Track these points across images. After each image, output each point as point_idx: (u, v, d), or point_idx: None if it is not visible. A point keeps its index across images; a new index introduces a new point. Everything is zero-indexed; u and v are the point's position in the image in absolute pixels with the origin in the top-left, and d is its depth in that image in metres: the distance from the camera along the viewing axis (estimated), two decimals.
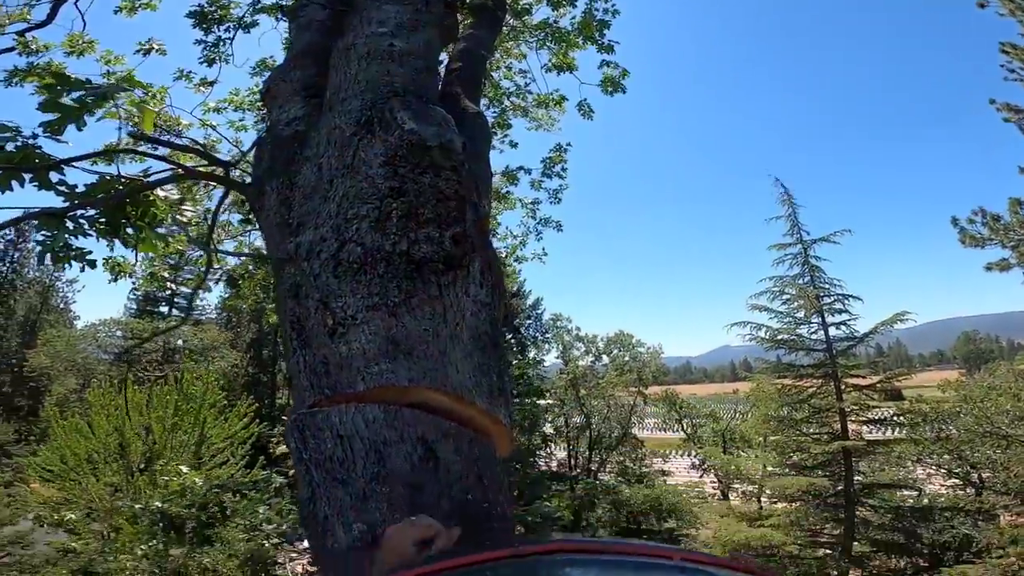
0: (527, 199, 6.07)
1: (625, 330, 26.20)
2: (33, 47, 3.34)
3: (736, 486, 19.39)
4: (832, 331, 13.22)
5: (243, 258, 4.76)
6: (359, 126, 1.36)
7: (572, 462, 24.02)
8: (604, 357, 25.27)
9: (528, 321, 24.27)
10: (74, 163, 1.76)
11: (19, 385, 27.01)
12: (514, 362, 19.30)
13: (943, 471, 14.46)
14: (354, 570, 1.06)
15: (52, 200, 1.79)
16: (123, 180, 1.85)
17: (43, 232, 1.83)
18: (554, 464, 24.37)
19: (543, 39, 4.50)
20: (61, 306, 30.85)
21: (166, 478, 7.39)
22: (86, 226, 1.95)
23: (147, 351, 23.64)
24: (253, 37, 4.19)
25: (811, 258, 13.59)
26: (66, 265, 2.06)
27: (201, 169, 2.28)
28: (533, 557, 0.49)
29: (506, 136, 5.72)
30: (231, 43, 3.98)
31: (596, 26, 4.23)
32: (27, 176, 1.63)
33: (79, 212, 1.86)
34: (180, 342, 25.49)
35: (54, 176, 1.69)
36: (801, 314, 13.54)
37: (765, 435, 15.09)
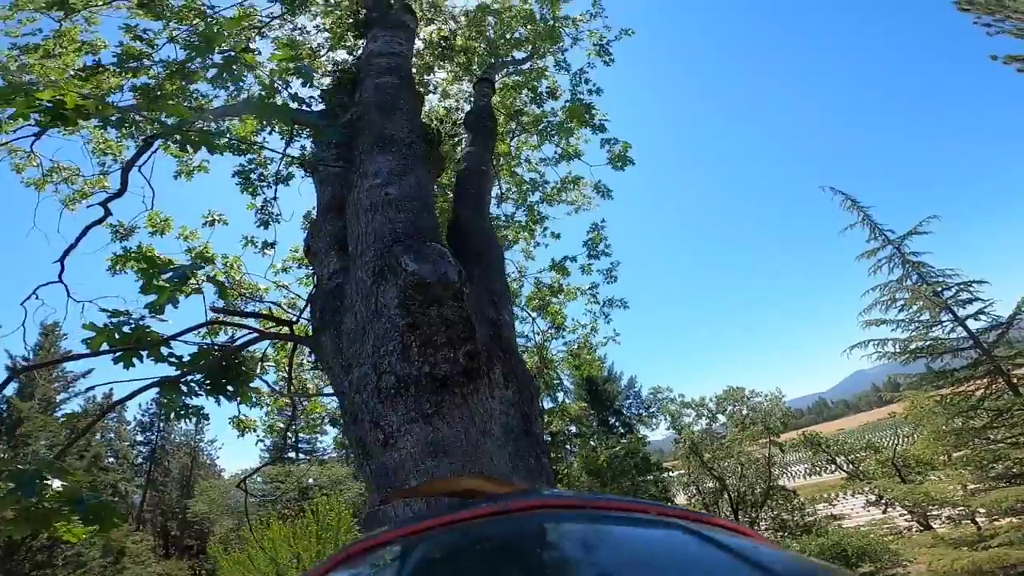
0: (584, 286, 5.98)
1: (734, 384, 24.49)
2: (122, 232, 4.09)
3: (936, 512, 15.84)
4: (971, 324, 11.36)
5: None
6: (375, 275, 1.63)
7: None
8: (720, 416, 23.51)
9: (627, 401, 23.52)
10: (179, 338, 2.18)
11: (185, 528, 31.54)
12: (623, 441, 18.48)
13: None
14: None
15: (166, 370, 2.22)
16: (216, 348, 2.25)
17: (164, 396, 2.23)
18: None
19: (545, 132, 4.71)
20: (208, 462, 35.07)
21: None
22: (196, 388, 2.35)
23: (285, 492, 26.37)
24: (293, 189, 4.83)
25: (908, 256, 12.13)
26: (187, 420, 2.46)
27: (273, 330, 2.67)
28: (517, 513, 0.49)
29: (546, 229, 5.71)
30: (275, 202, 4.38)
31: (583, 109, 4.27)
32: (144, 352, 2.05)
33: (188, 377, 2.26)
34: (311, 480, 27.92)
35: (164, 350, 2.11)
36: (926, 316, 11.81)
37: (948, 452, 12.64)
